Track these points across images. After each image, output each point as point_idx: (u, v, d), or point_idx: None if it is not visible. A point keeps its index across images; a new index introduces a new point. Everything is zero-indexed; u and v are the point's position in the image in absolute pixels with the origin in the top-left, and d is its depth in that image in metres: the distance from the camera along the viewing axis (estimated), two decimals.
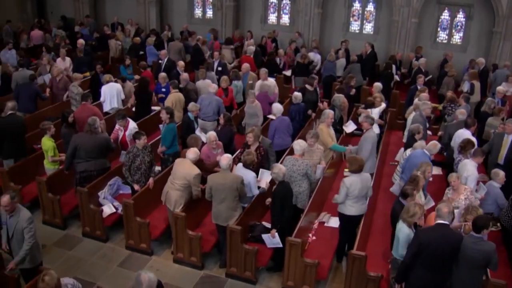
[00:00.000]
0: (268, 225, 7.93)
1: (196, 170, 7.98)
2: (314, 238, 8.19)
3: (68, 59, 15.50)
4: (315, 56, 16.75)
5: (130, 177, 8.68)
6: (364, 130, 9.73)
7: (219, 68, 14.49)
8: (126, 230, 8.56)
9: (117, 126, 9.96)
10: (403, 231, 6.48)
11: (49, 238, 8.95)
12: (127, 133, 9.84)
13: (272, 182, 8.24)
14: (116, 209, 9.01)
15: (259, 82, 12.85)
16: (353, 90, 13.14)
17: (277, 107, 10.67)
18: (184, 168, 8.00)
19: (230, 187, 7.57)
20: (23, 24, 21.16)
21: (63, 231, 9.20)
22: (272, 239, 7.57)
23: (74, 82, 12.42)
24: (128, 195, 9.07)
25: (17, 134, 9.75)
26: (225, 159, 7.72)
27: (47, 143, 9.29)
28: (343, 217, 7.93)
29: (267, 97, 12.14)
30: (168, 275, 7.51)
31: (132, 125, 9.97)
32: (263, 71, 12.99)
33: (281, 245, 7.55)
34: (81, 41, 16.62)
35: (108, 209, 8.96)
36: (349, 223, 7.93)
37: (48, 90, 13.11)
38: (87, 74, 14.75)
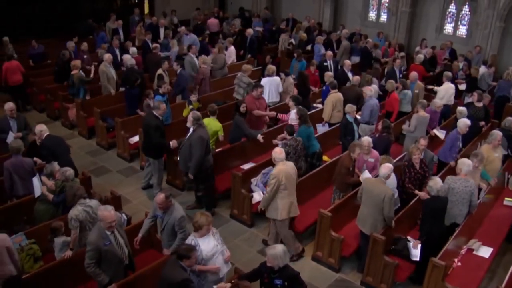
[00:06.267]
0: (413, 241, 7.69)
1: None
2: (459, 264, 7.72)
3: (232, 48, 16.34)
4: (484, 71, 15.14)
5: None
6: None
7: (400, 75, 14.17)
8: None
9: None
10: None
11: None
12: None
13: None
14: None
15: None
16: None
17: (465, 122, 9.81)
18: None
19: (376, 195, 7.45)
20: (204, 13, 22.70)
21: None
22: (413, 250, 7.42)
23: (243, 72, 12.87)
24: None
25: (146, 132, 9.76)
26: (386, 168, 7.57)
27: (214, 124, 9.75)
28: None
29: (436, 113, 11.39)
30: (304, 271, 7.59)
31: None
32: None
33: (417, 259, 7.39)
34: (249, 31, 17.55)
35: (258, 196, 9.23)
36: None
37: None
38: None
